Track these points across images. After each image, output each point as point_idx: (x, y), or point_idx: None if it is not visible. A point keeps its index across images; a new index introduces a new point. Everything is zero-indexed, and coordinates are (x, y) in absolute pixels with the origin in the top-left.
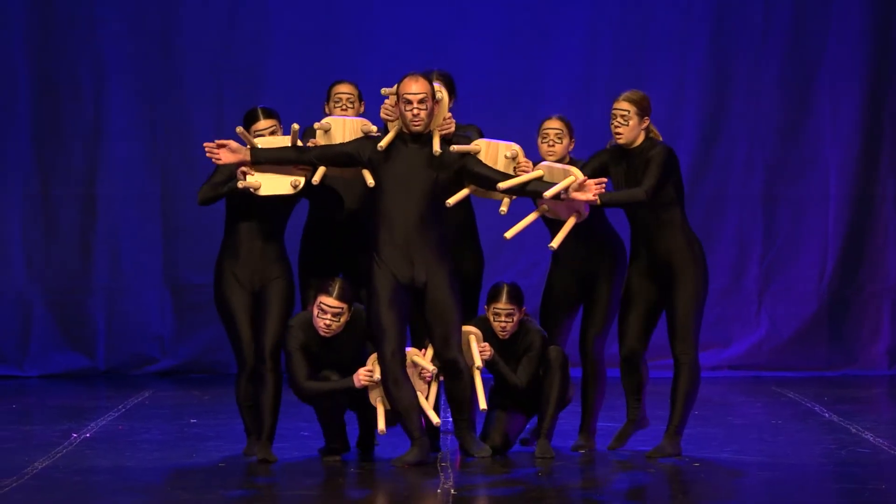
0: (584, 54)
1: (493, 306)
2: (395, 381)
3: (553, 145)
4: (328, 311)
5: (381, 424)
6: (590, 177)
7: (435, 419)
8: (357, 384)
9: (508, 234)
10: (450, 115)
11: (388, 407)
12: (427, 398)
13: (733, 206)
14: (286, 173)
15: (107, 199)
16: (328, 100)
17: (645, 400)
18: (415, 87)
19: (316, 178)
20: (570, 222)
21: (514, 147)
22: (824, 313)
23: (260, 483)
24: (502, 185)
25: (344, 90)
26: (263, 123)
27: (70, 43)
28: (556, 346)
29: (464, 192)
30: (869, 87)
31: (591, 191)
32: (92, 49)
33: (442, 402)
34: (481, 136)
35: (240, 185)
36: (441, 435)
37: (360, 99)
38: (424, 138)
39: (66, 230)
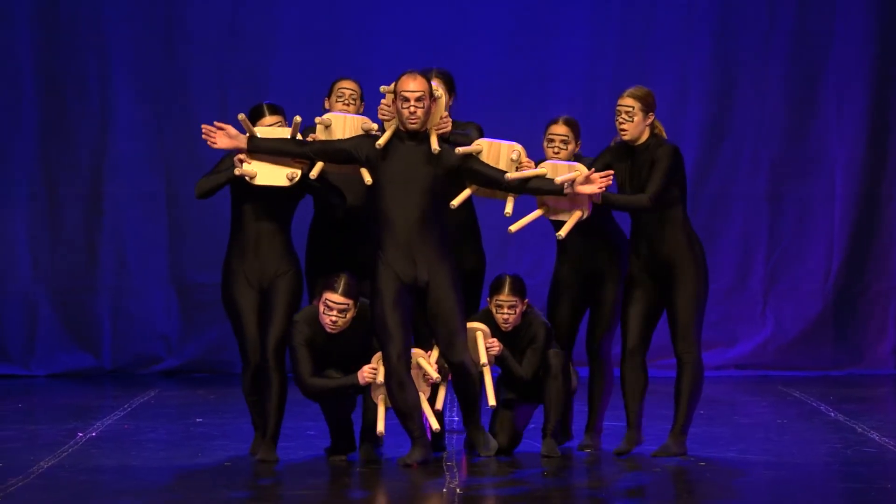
0: (587, 54)
1: (495, 298)
2: (400, 383)
3: (559, 151)
4: (333, 307)
5: (381, 425)
6: None
7: (435, 425)
8: (361, 381)
9: (513, 228)
10: (446, 113)
11: (390, 406)
12: (434, 402)
13: (738, 206)
14: (283, 165)
15: (112, 198)
16: (330, 94)
17: (644, 408)
18: (412, 84)
19: (313, 174)
20: (577, 215)
21: (517, 147)
22: (830, 313)
23: (265, 483)
24: (510, 175)
25: (348, 86)
26: (269, 119)
27: (75, 42)
28: (555, 350)
29: (466, 193)
30: (874, 86)
31: (598, 183)
32: (97, 49)
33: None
34: (481, 134)
35: (236, 171)
36: (446, 435)
37: (362, 98)
38: (421, 136)
39: (71, 229)
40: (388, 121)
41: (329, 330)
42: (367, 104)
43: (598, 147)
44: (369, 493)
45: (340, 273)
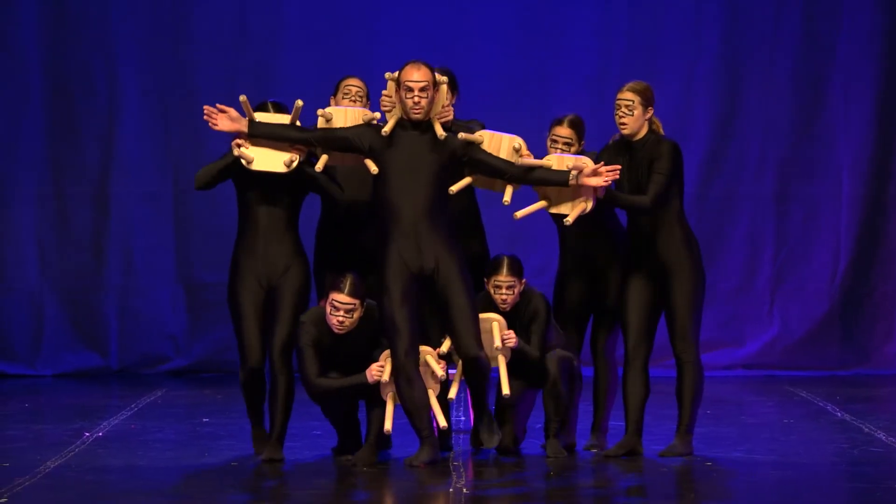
0: (594, 55)
1: (493, 279)
2: (408, 379)
3: (562, 153)
4: (340, 307)
5: (388, 423)
6: None
7: (443, 422)
8: (370, 380)
9: (518, 214)
10: (448, 102)
11: (398, 403)
12: (448, 393)
13: (745, 206)
14: (281, 151)
15: (120, 197)
16: (336, 93)
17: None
18: (416, 74)
19: (319, 166)
20: (581, 206)
21: (519, 139)
22: (836, 312)
23: (272, 483)
24: (519, 160)
25: (354, 84)
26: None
27: (83, 42)
28: (557, 351)
29: (466, 180)
30: (882, 87)
31: (604, 176)
32: (105, 48)
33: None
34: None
35: (234, 152)
36: (453, 434)
37: (368, 96)
38: (424, 125)
39: (79, 229)
40: (389, 111)
41: (336, 330)
42: (373, 102)
43: None
44: (376, 494)
45: (346, 273)
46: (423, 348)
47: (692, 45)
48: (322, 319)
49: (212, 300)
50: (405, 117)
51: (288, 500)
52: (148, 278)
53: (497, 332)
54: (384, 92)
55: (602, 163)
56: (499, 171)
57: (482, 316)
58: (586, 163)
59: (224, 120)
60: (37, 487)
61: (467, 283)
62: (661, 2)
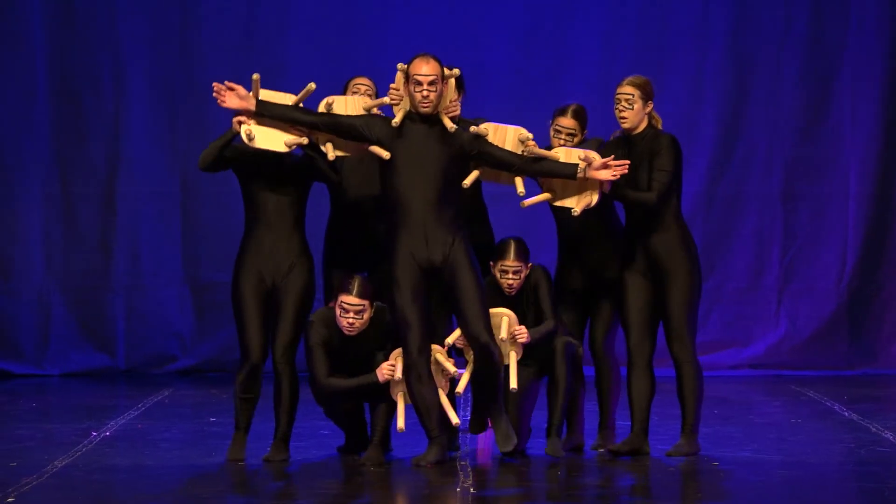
0: (602, 54)
1: (500, 263)
2: (419, 377)
3: (564, 143)
4: (350, 309)
5: (401, 421)
6: None
7: (454, 419)
8: (380, 378)
9: (525, 203)
10: (456, 96)
11: (409, 402)
12: (456, 388)
13: (753, 205)
14: (284, 131)
15: (127, 197)
16: (345, 91)
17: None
18: (425, 68)
19: (330, 156)
20: (586, 200)
21: (524, 130)
22: (844, 312)
23: (279, 483)
24: (526, 151)
25: (363, 82)
26: None
27: (90, 42)
28: (562, 338)
29: (476, 174)
30: (889, 85)
31: (613, 170)
32: (112, 47)
33: (462, 399)
34: None
35: (235, 128)
36: (460, 434)
37: (377, 95)
38: (433, 119)
39: (86, 229)
40: (396, 104)
41: (347, 332)
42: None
43: None
44: (382, 493)
45: (354, 274)
46: (433, 346)
47: (700, 43)
48: (332, 320)
49: (219, 300)
50: (414, 111)
51: (295, 499)
52: (155, 278)
53: (506, 327)
54: (392, 85)
55: (612, 157)
56: (506, 163)
57: (492, 311)
58: (594, 156)
59: (232, 97)
60: (44, 487)
61: (476, 271)
62: (669, 1)
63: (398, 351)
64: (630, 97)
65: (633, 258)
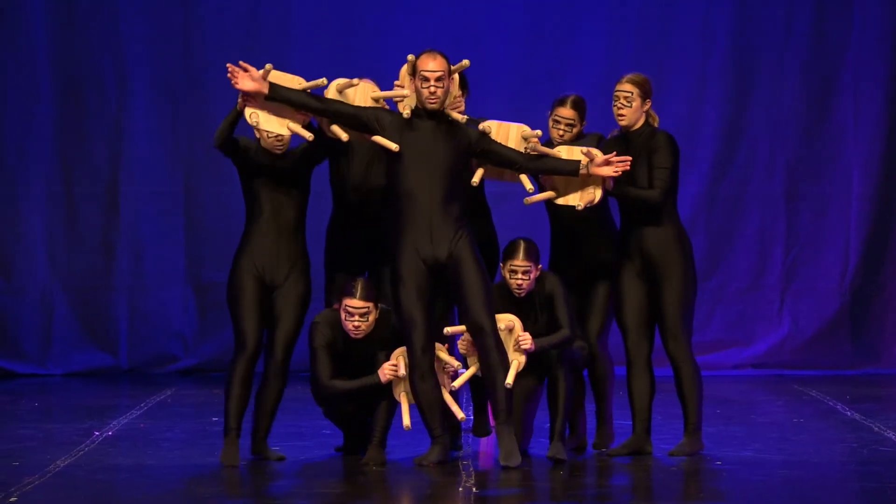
0: (605, 54)
1: (509, 263)
2: (423, 375)
3: (563, 134)
4: (354, 312)
5: (406, 420)
6: None
7: (459, 414)
8: (383, 379)
9: (528, 200)
10: (460, 93)
11: (413, 402)
12: (454, 382)
13: (755, 205)
14: (287, 116)
15: (129, 197)
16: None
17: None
18: (432, 64)
19: (344, 136)
20: (589, 196)
21: (527, 127)
22: (846, 312)
23: (281, 482)
24: (529, 148)
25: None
26: None
27: (92, 42)
28: (565, 359)
29: (481, 171)
30: (892, 86)
31: (615, 166)
32: (114, 48)
33: (465, 399)
34: None
35: (239, 106)
36: (462, 434)
37: None
38: (439, 115)
39: (88, 228)
40: (400, 101)
41: (353, 335)
42: (386, 102)
43: None
44: (383, 493)
45: (357, 277)
46: (435, 345)
47: (702, 44)
48: (336, 322)
49: (221, 300)
50: (420, 107)
51: (298, 499)
52: (157, 278)
53: (512, 333)
54: (396, 83)
55: (614, 153)
56: (510, 160)
57: (498, 316)
58: (596, 153)
59: (246, 79)
60: (46, 486)
61: (480, 264)
62: (672, 1)
63: (399, 350)
64: (629, 94)
65: (628, 257)
